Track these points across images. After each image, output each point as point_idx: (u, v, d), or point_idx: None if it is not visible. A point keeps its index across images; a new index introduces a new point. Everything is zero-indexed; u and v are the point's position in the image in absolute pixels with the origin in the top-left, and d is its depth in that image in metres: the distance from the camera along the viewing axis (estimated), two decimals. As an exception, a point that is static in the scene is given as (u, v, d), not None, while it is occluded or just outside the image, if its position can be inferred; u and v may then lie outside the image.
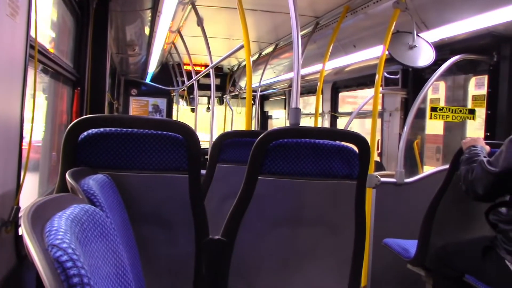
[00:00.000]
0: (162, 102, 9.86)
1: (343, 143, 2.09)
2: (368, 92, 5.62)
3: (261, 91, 8.80)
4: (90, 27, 3.37)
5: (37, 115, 1.99)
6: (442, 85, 4.57)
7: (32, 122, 1.70)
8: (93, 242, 0.97)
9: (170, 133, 1.87)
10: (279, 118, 10.08)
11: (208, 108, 10.30)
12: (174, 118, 9.90)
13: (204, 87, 9.00)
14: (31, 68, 1.73)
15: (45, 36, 2.63)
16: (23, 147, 1.66)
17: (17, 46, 1.58)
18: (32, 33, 1.74)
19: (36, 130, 1.87)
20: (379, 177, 3.44)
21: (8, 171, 1.54)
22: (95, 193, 1.33)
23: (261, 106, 10.41)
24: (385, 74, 4.91)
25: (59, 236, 0.79)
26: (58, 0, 2.85)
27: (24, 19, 1.62)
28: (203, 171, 2.91)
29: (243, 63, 8.88)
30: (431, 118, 3.94)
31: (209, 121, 5.58)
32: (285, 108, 9.25)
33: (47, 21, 2.71)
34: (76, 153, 1.75)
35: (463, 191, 2.55)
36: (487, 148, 2.72)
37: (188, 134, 1.88)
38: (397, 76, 4.89)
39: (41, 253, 0.74)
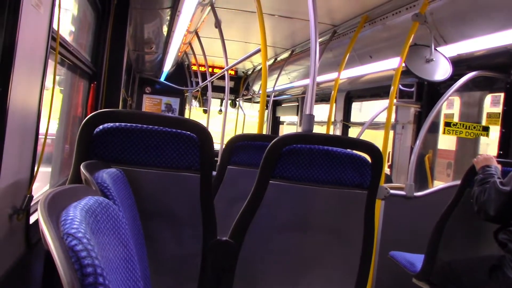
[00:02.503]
0: (175, 102, 9.90)
1: (355, 152, 2.09)
2: (382, 104, 5.60)
3: (274, 96, 8.81)
4: (110, 22, 3.39)
5: (53, 107, 2.01)
6: (457, 100, 4.54)
7: (50, 114, 1.72)
8: (105, 234, 0.98)
9: (184, 131, 1.88)
10: (295, 123, 10.08)
11: (221, 110, 10.34)
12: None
13: (218, 89, 9.03)
14: (51, 60, 1.74)
15: (66, 28, 2.66)
16: (39, 137, 1.68)
17: (40, 37, 1.60)
18: (55, 25, 1.76)
19: (51, 121, 1.89)
20: (388, 189, 3.43)
21: (23, 160, 1.55)
22: (108, 186, 1.34)
23: (274, 111, 10.42)
24: (400, 86, 4.90)
25: (74, 225, 0.80)
26: (80, -6, 2.89)
27: (48, 10, 1.63)
28: (213, 172, 2.92)
29: (258, 67, 8.91)
30: (444, 133, 3.92)
31: (216, 122, 5.59)
32: (297, 115, 9.25)
33: (68, 14, 2.74)
34: (91, 146, 1.76)
35: (475, 212, 2.53)
36: (499, 167, 2.71)
37: (202, 133, 1.89)
38: (412, 89, 4.88)
39: (57, 241, 0.75)
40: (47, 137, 1.79)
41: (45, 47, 1.65)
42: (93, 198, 1.03)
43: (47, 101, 1.77)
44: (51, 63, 1.73)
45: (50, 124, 1.72)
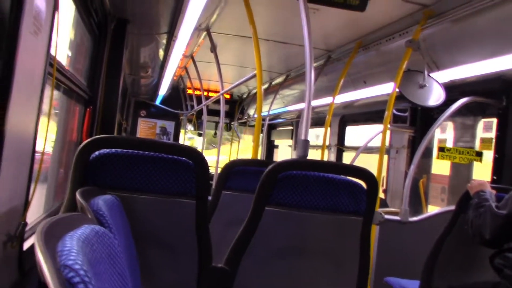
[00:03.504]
0: (170, 125, 9.92)
1: (350, 178, 2.10)
2: (376, 128, 5.63)
3: (269, 120, 8.85)
4: (107, 47, 3.42)
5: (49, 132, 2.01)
6: (450, 125, 4.58)
7: (45, 139, 1.72)
8: (101, 264, 0.97)
9: (180, 157, 1.88)
10: (290, 147, 10.10)
11: (215, 134, 10.35)
12: (181, 141, 9.96)
13: (213, 113, 9.06)
14: (48, 85, 1.75)
15: (63, 53, 2.67)
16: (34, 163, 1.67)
17: (37, 63, 1.61)
18: (52, 51, 1.77)
19: (46, 147, 1.89)
20: (383, 214, 3.42)
21: (18, 186, 1.55)
22: (104, 214, 1.34)
23: (268, 135, 10.44)
24: (394, 111, 4.94)
25: (71, 257, 0.80)
26: (78, 19, 2.91)
27: (46, 37, 1.65)
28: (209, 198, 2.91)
29: (253, 91, 8.95)
30: (438, 157, 3.94)
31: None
32: (291, 139, 9.27)
33: (66, 39, 2.76)
34: (87, 172, 1.75)
35: (470, 236, 2.53)
36: (493, 192, 2.72)
37: (198, 159, 1.89)
38: (406, 114, 4.92)
39: (54, 273, 0.74)
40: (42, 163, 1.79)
41: (42, 73, 1.66)
42: (89, 227, 1.03)
43: (42, 126, 1.78)
44: (48, 88, 1.74)
45: (46, 149, 1.72)
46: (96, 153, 1.77)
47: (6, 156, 1.34)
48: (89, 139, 1.76)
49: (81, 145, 1.74)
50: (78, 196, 1.40)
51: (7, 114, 1.32)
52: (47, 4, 1.60)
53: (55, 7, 1.70)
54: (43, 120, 1.78)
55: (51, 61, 1.82)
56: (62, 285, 0.73)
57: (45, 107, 1.81)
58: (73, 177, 1.73)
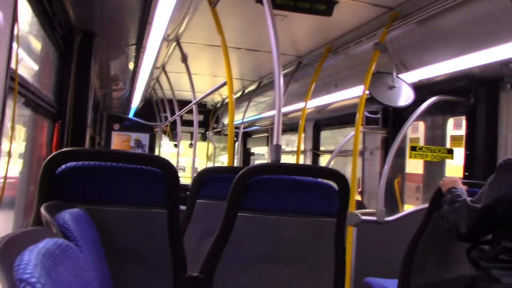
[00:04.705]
0: (144, 137, 9.84)
1: (322, 180, 2.10)
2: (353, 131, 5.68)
3: (244, 128, 8.85)
4: (74, 60, 3.37)
5: (16, 148, 1.96)
6: (421, 125, 4.64)
7: (9, 156, 1.67)
8: (64, 278, 0.95)
9: (149, 167, 1.85)
10: (263, 155, 10.11)
11: (191, 144, 10.29)
12: (157, 153, 9.88)
13: (188, 123, 9.02)
14: (11, 100, 1.71)
15: (28, 67, 2.62)
16: None
17: None
18: (13, 65, 1.73)
19: (12, 164, 1.84)
20: (359, 215, 3.44)
21: None
22: (70, 227, 1.30)
23: (244, 143, 10.43)
24: (366, 113, 4.98)
25: (28, 271, 0.77)
26: (42, 33, 2.86)
27: (5, 51, 1.61)
28: (183, 207, 2.88)
29: (227, 100, 8.95)
30: (410, 157, 3.99)
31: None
32: (267, 145, 9.28)
33: (30, 53, 2.71)
34: (53, 187, 1.71)
35: (446, 231, 2.55)
36: (465, 188, 2.75)
37: (167, 168, 1.86)
38: (378, 116, 4.97)
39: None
40: (8, 180, 1.74)
41: (3, 88, 1.61)
42: (52, 241, 1.00)
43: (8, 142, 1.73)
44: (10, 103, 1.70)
45: (12, 166, 1.68)
46: (63, 166, 1.73)
47: None
48: (54, 153, 1.72)
49: (47, 159, 1.70)
50: (42, 210, 1.37)
51: None
52: (4, 18, 1.56)
53: (13, 21, 1.67)
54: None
55: (12, 75, 1.78)
56: None
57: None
58: (39, 192, 1.68)
